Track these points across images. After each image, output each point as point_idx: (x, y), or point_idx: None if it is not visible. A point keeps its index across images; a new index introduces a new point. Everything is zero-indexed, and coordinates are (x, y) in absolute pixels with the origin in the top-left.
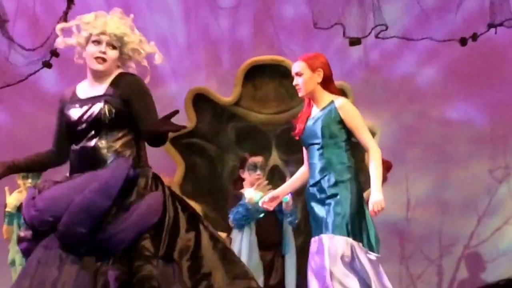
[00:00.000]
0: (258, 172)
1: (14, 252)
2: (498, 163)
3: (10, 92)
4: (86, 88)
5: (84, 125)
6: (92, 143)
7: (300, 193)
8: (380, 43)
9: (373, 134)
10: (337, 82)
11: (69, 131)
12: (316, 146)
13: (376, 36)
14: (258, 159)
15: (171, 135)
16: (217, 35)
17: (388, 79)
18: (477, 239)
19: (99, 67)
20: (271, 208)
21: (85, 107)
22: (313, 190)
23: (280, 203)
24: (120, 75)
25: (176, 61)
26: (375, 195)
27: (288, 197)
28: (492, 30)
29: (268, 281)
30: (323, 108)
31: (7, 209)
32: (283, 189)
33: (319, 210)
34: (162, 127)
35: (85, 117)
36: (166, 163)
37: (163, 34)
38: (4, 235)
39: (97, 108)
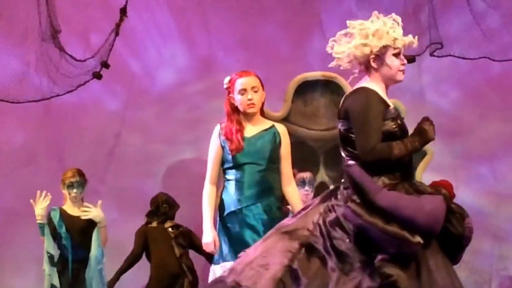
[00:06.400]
0: (307, 187)
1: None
2: None
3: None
4: (386, 98)
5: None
6: None
7: None
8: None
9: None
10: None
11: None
12: (257, 167)
13: (431, 54)
14: (307, 175)
15: None
16: (264, 49)
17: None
18: None
19: (403, 78)
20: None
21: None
22: (247, 211)
23: None
24: None
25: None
26: None
27: None
28: None
29: None
30: (264, 130)
31: (37, 221)
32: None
33: (250, 235)
34: None
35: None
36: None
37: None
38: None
39: None
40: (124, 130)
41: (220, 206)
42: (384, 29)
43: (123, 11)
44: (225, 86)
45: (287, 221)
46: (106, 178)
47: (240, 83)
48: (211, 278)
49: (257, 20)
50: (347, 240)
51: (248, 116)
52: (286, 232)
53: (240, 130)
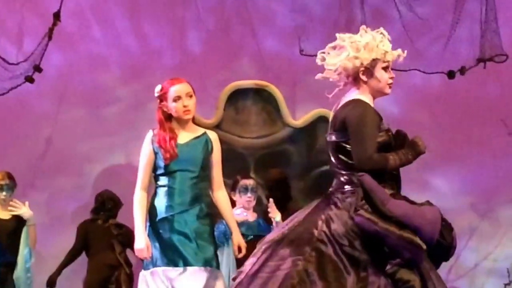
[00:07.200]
0: (249, 194)
1: None
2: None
3: None
4: None
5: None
6: None
7: None
8: None
9: None
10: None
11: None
12: (189, 174)
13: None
14: (250, 182)
15: None
16: (202, 55)
17: None
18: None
19: (390, 91)
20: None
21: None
22: (178, 218)
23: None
24: None
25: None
26: (240, 237)
27: (279, 217)
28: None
29: None
30: (197, 137)
31: None
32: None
33: (181, 241)
34: None
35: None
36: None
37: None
38: None
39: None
40: (55, 133)
41: (151, 212)
42: (374, 42)
43: (57, 16)
44: (156, 94)
45: (278, 232)
46: (36, 182)
47: (174, 90)
48: (140, 283)
49: (191, 28)
50: (356, 247)
51: (181, 123)
52: (290, 241)
53: (173, 138)
